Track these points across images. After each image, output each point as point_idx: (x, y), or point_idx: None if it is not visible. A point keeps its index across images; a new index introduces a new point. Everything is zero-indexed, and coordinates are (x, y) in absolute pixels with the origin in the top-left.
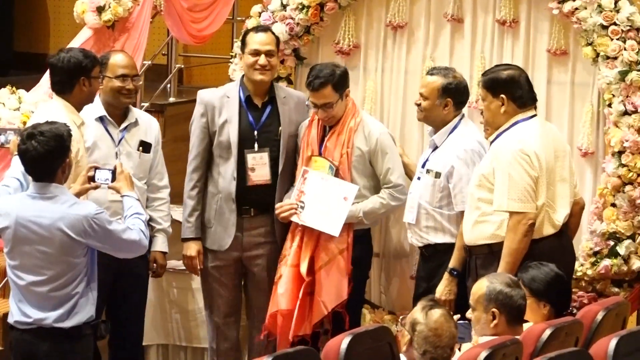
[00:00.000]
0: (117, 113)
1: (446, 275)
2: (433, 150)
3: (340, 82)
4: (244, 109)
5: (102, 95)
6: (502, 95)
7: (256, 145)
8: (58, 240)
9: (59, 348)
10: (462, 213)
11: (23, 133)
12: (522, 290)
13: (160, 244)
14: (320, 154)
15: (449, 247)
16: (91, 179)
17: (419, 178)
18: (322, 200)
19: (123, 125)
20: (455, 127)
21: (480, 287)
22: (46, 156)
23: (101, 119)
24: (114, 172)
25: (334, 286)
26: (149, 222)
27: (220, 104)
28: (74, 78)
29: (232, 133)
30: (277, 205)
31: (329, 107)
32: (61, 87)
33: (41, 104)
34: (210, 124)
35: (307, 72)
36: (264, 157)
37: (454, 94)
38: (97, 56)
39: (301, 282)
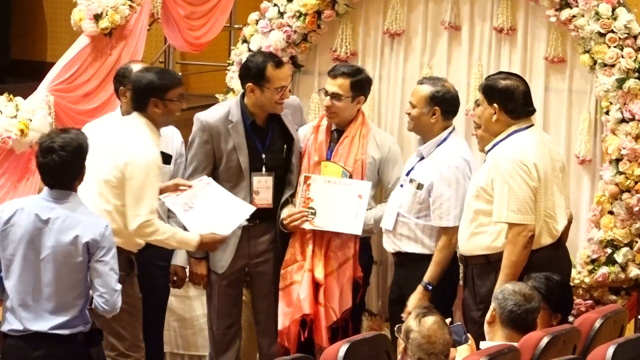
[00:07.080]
0: None
1: (420, 289)
2: (420, 160)
3: (359, 83)
4: (249, 134)
5: (124, 106)
6: (495, 105)
7: (264, 169)
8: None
9: (52, 354)
10: (442, 228)
11: (41, 145)
12: (528, 304)
13: (181, 259)
14: (328, 160)
15: (420, 257)
16: None
17: (401, 185)
18: (334, 203)
19: None
20: (444, 140)
21: None
22: (66, 166)
23: None
24: None
25: (341, 293)
26: None
27: (225, 130)
28: (146, 98)
29: (242, 160)
30: (284, 215)
31: (337, 98)
32: (136, 105)
33: (118, 119)
34: (217, 150)
35: (305, 80)
36: (269, 181)
37: (441, 102)
38: (177, 78)
39: (318, 287)
